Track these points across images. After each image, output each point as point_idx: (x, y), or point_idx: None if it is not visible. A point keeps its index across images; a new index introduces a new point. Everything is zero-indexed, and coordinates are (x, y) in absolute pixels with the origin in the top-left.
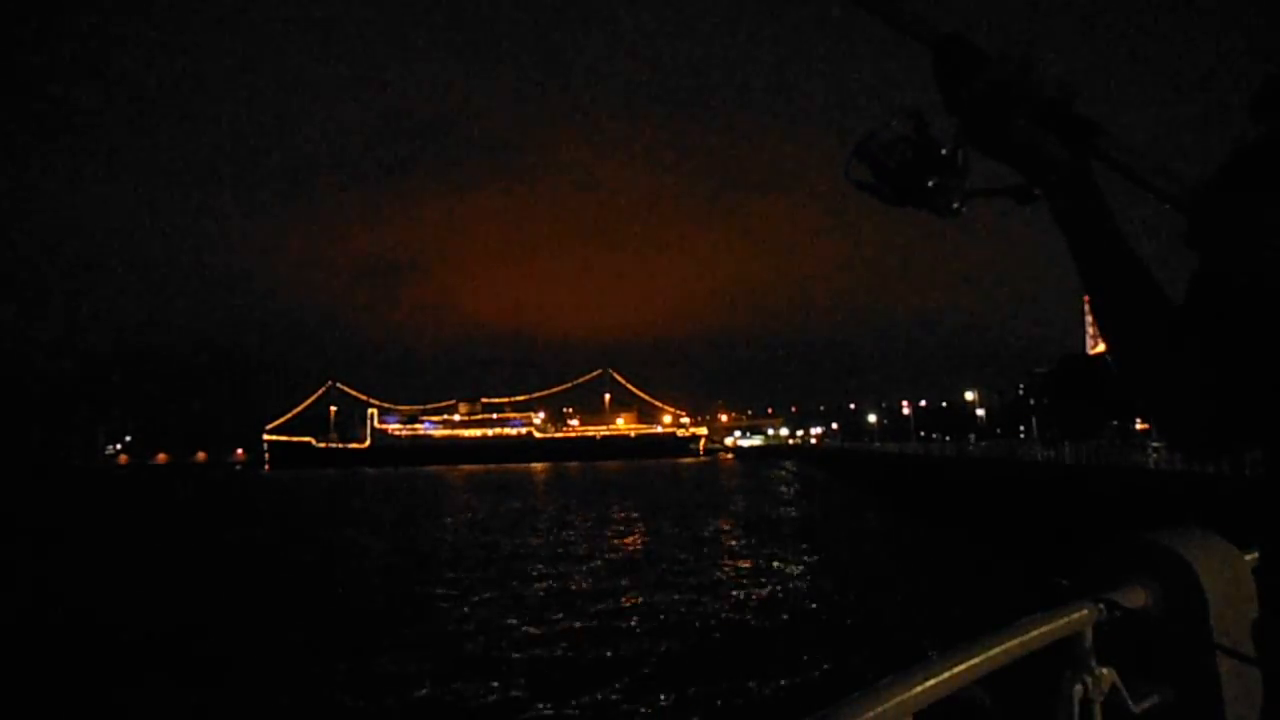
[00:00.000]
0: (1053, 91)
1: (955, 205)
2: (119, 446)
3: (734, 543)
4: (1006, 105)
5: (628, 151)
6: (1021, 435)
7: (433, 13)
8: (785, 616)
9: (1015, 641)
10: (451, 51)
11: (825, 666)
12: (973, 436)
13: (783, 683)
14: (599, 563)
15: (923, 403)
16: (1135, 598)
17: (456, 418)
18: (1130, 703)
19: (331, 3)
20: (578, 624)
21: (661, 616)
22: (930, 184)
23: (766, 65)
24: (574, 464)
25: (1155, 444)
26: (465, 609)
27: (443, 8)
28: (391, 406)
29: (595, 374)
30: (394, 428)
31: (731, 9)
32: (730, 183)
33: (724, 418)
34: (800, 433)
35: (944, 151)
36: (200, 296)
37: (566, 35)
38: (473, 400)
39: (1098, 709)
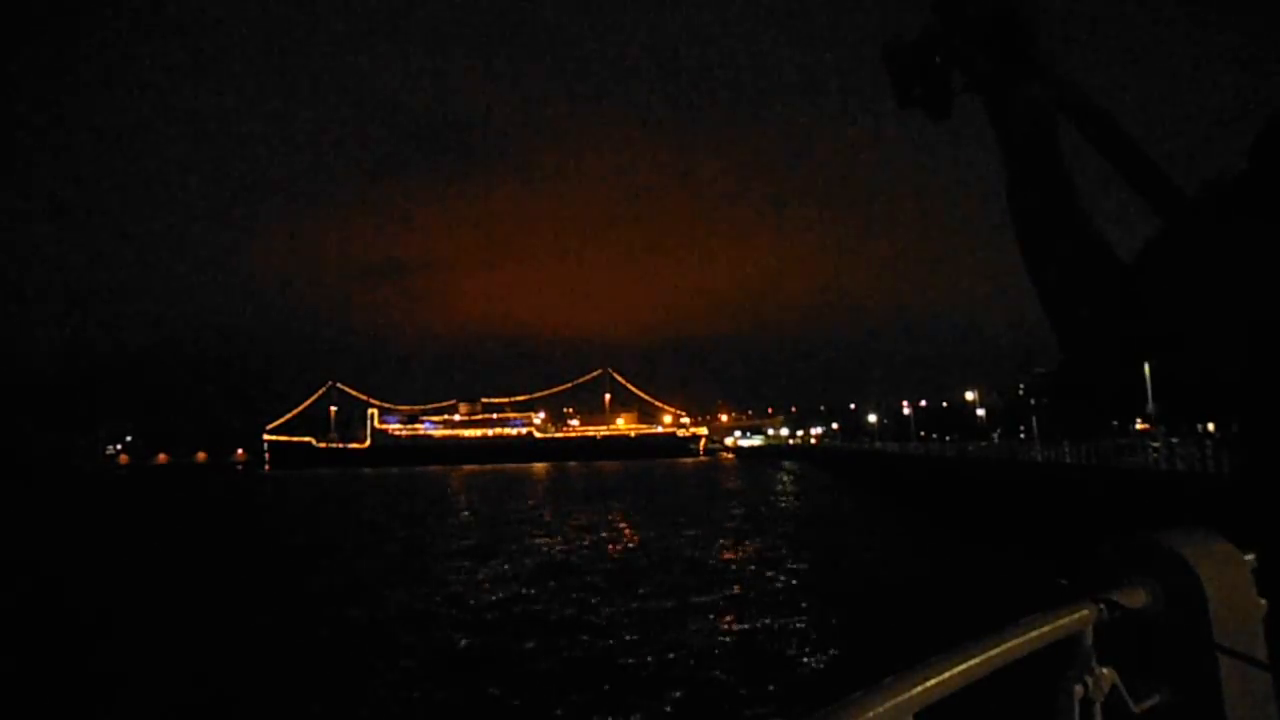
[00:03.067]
0: (991, 9)
1: (940, 110)
2: (119, 447)
3: (732, 542)
4: (949, 13)
5: (629, 153)
6: (1021, 435)
7: (441, 11)
8: (785, 617)
9: (1015, 641)
10: (457, 50)
11: (826, 666)
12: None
13: (783, 683)
14: (597, 562)
15: (923, 403)
16: (1135, 598)
17: (456, 418)
18: (1130, 703)
19: (336, 1)
20: (576, 624)
21: (660, 616)
22: (918, 90)
23: (762, 67)
24: (574, 464)
25: (1154, 444)
26: (461, 608)
27: (453, 6)
28: (391, 406)
29: (595, 374)
30: (394, 428)
31: (739, 8)
32: (732, 185)
33: (724, 418)
34: (800, 433)
35: (937, 59)
36: (201, 297)
37: (571, 36)
38: (473, 400)
39: (1098, 709)
